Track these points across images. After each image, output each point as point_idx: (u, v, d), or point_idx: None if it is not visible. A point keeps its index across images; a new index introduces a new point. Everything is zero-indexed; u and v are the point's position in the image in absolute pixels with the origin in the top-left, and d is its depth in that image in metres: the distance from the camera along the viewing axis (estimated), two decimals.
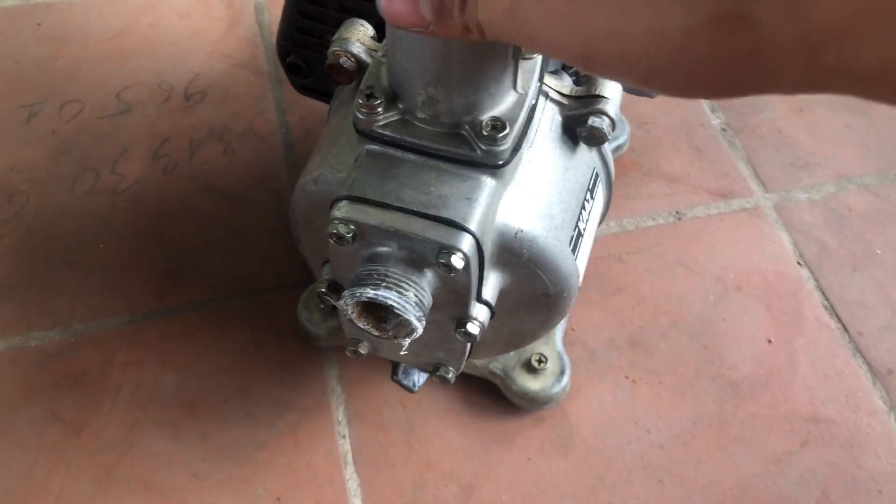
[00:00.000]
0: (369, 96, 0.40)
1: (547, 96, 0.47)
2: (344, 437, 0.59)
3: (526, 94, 0.41)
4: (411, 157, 0.41)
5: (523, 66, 0.41)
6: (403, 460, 0.59)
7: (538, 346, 0.60)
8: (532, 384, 0.59)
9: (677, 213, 0.72)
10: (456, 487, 0.57)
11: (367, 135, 0.41)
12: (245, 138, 0.75)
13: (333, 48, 0.45)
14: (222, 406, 0.60)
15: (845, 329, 0.66)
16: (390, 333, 0.42)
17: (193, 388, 0.61)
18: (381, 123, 0.40)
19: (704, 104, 0.79)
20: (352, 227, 0.40)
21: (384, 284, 0.39)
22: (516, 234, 0.43)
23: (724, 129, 0.78)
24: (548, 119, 0.47)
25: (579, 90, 0.47)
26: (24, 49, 0.82)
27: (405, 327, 0.41)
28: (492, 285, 0.45)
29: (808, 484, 0.58)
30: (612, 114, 0.45)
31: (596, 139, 0.46)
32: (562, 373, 0.60)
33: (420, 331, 0.41)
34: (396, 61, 0.39)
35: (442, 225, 0.39)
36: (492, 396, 0.61)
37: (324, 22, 0.57)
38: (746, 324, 0.66)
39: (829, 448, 0.60)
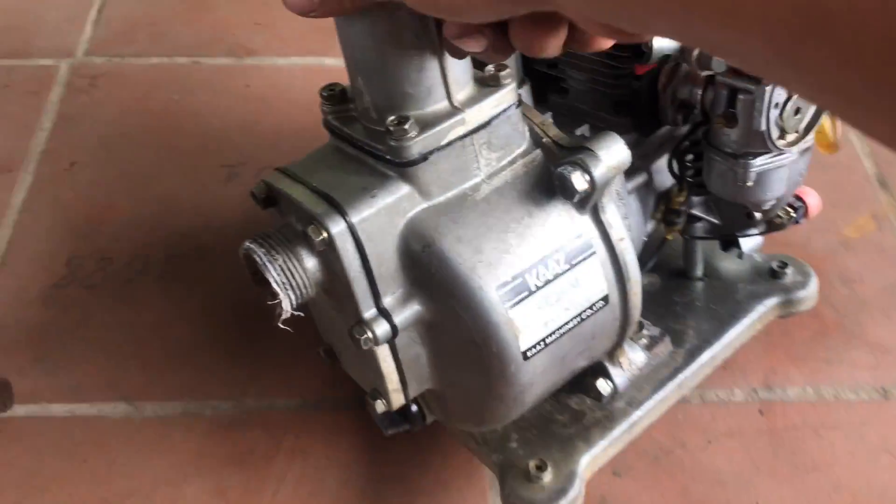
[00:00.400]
0: (329, 90, 0.44)
1: (539, 142, 0.45)
2: None
3: (462, 111, 0.41)
4: (349, 149, 0.44)
5: (479, 89, 0.42)
6: None
7: (551, 453, 0.54)
8: (521, 490, 0.52)
9: (884, 389, 0.66)
10: None
11: (326, 127, 0.45)
12: None
13: None
14: None
15: None
16: (269, 298, 0.43)
17: (356, 492, 0.59)
18: (332, 116, 0.44)
19: None
20: (265, 189, 0.45)
21: (259, 242, 0.43)
22: (424, 247, 0.42)
23: None
24: (527, 163, 0.45)
25: (572, 140, 0.45)
26: (231, 109, 0.85)
27: (271, 292, 0.42)
28: (400, 301, 0.44)
29: None
30: (593, 169, 0.42)
31: (565, 190, 0.42)
32: (560, 493, 0.52)
33: (284, 301, 0.43)
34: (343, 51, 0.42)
35: (323, 202, 0.41)
36: None
37: None
38: None
39: None
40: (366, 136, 0.43)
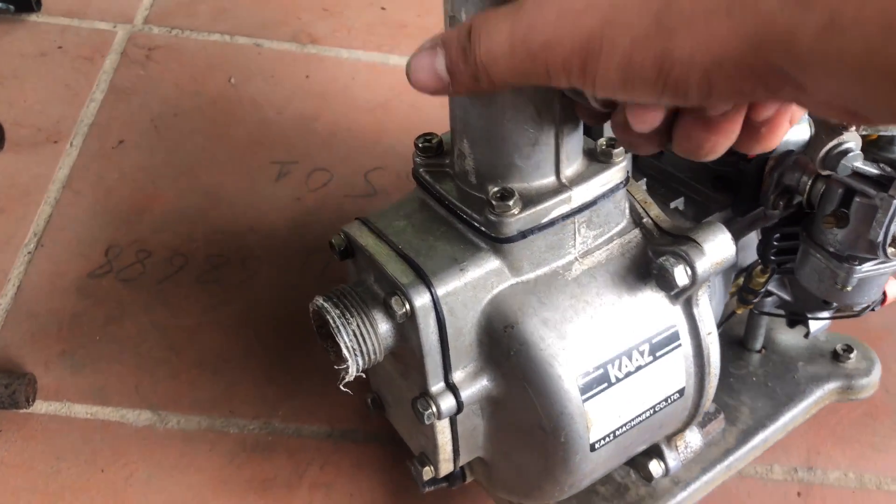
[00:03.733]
0: (425, 141, 0.39)
1: (639, 221, 0.39)
2: None
3: (570, 189, 0.36)
4: (437, 207, 0.39)
5: (588, 165, 0.37)
6: None
7: None
8: None
9: None
10: None
11: (415, 177, 0.40)
12: None
13: None
14: None
15: None
16: (333, 356, 0.39)
17: None
18: (424, 169, 0.39)
19: None
20: (346, 242, 0.40)
21: (335, 301, 0.38)
22: (506, 328, 0.37)
23: None
24: (624, 243, 0.39)
25: (676, 229, 0.38)
26: (289, 101, 0.77)
27: (339, 353, 0.38)
28: (471, 377, 0.39)
29: None
30: (696, 262, 0.36)
31: (665, 283, 0.37)
32: None
33: (351, 366, 0.38)
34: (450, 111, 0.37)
35: (410, 270, 0.36)
36: None
37: None
38: None
39: None
40: (461, 200, 0.37)
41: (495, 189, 0.35)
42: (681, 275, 0.36)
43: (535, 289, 0.38)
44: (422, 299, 0.36)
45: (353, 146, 0.74)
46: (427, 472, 0.44)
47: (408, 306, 0.36)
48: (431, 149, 0.39)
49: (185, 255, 0.66)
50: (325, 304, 0.38)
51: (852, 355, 0.58)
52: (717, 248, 0.37)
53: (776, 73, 0.21)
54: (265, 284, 0.65)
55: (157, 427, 0.58)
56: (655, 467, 0.47)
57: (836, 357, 0.58)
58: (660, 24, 0.22)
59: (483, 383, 0.40)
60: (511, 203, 0.35)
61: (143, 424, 0.58)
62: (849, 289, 0.43)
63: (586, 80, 0.24)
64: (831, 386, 0.57)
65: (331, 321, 0.37)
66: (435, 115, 0.77)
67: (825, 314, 0.54)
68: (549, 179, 0.36)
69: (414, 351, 0.38)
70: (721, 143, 0.28)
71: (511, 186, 0.36)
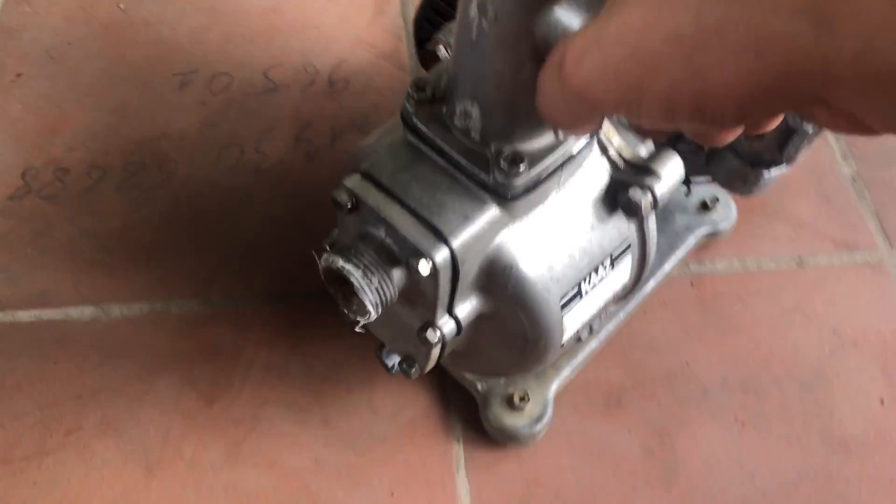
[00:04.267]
0: (419, 88, 0.39)
1: (605, 151, 0.44)
2: (458, 441, 0.57)
3: (563, 143, 0.39)
4: (436, 158, 0.40)
5: None
6: (513, 473, 0.56)
7: (529, 384, 0.56)
8: (505, 417, 0.55)
9: (800, 258, 0.67)
10: None
11: (407, 124, 0.40)
12: None
13: (437, 34, 0.44)
14: (346, 395, 0.59)
15: None
16: (351, 308, 0.42)
17: (320, 375, 0.59)
18: (420, 118, 0.40)
19: (837, 152, 0.74)
20: (352, 199, 0.40)
21: (354, 262, 0.40)
22: (505, 268, 0.41)
23: (854, 180, 0.72)
24: (594, 173, 0.44)
25: (637, 158, 0.44)
26: (181, 17, 0.79)
27: (361, 309, 0.41)
28: (469, 305, 0.43)
29: None
30: (658, 192, 0.42)
31: (632, 211, 0.43)
32: (538, 419, 0.55)
33: (373, 316, 0.41)
34: (451, 66, 0.38)
35: (427, 230, 0.39)
36: (605, 423, 0.58)
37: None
38: (860, 381, 0.61)
39: None
40: (465, 157, 0.39)
41: (504, 152, 0.38)
42: (646, 204, 0.42)
43: (528, 230, 0.42)
44: (442, 258, 0.39)
45: (249, 49, 0.77)
46: (414, 373, 0.48)
47: (430, 267, 0.38)
48: (426, 100, 0.40)
49: (102, 167, 0.69)
50: (347, 266, 0.40)
51: (717, 204, 0.66)
52: (672, 174, 0.43)
53: (807, 97, 0.22)
54: (183, 182, 0.68)
55: (101, 319, 0.61)
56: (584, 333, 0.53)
57: (705, 207, 0.66)
58: (693, 68, 0.23)
59: (477, 308, 0.44)
60: (521, 167, 0.38)
61: (88, 318, 0.61)
62: (754, 190, 0.49)
63: (632, 115, 0.26)
64: (702, 231, 0.65)
65: (355, 283, 0.40)
66: (321, 10, 0.80)
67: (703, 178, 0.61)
68: (546, 137, 0.39)
69: (426, 294, 0.41)
70: (733, 137, 0.30)
71: (518, 149, 0.38)
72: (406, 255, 0.40)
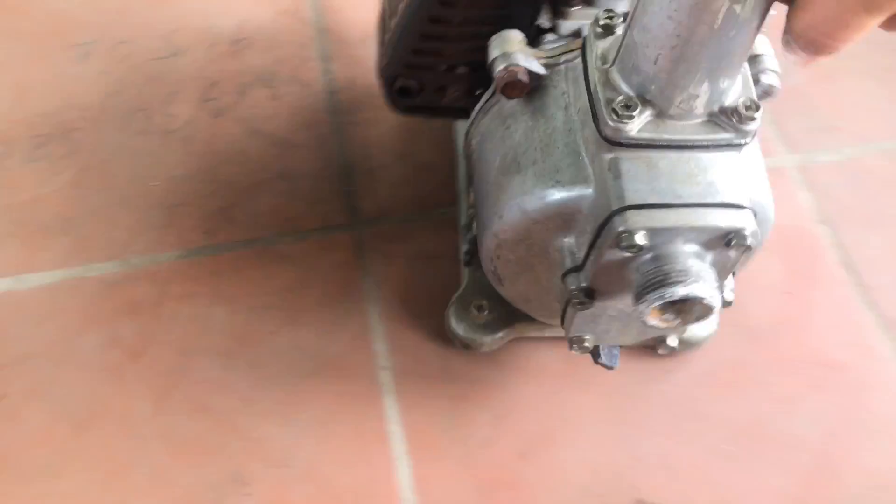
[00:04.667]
0: (627, 106, 0.38)
1: None
2: (385, 368, 0.59)
3: (744, 70, 0.40)
4: (666, 153, 0.39)
5: None
6: (440, 392, 0.58)
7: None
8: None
9: None
10: (489, 416, 0.57)
11: (618, 143, 0.39)
12: (290, 84, 0.72)
13: (503, 65, 0.43)
14: (270, 338, 0.59)
15: (860, 283, 0.64)
16: (690, 319, 0.40)
17: (243, 320, 0.60)
18: (636, 129, 0.38)
19: None
20: (645, 233, 0.38)
21: (690, 280, 0.38)
22: (756, 213, 0.41)
23: None
24: None
25: None
26: None
27: (708, 311, 0.39)
28: None
29: (817, 423, 0.58)
30: (775, 68, 0.43)
31: (769, 95, 0.43)
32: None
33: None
34: (660, 69, 0.37)
35: (725, 210, 0.38)
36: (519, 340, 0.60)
37: (446, 40, 0.50)
38: (767, 276, 0.64)
39: (838, 392, 0.59)
40: (694, 133, 0.39)
41: (730, 104, 0.38)
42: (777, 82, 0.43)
43: (754, 162, 0.45)
44: (753, 224, 0.39)
45: (149, 15, 0.77)
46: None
47: (754, 237, 0.39)
48: (631, 114, 0.38)
49: (6, 143, 0.68)
50: (692, 289, 0.38)
51: None
52: (769, 47, 0.44)
53: None
54: (92, 150, 0.68)
55: (17, 289, 0.61)
56: None
57: None
58: None
59: None
60: (759, 111, 0.39)
61: (4, 290, 0.61)
62: None
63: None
64: None
65: (704, 297, 0.38)
66: None
67: None
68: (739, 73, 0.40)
69: (725, 264, 0.41)
70: None
71: (737, 97, 0.39)
72: (722, 243, 0.39)
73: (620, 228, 0.38)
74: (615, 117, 0.38)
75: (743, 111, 0.39)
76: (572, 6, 0.48)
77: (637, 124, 0.38)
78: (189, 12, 0.77)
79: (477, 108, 0.49)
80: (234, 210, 0.65)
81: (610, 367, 0.52)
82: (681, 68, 0.37)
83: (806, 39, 0.31)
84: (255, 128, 0.70)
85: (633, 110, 0.38)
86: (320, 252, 0.63)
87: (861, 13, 0.29)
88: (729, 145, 0.39)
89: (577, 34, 0.49)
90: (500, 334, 0.58)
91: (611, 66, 0.40)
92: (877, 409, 0.59)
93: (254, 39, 0.75)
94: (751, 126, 0.39)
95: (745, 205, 0.39)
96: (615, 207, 0.39)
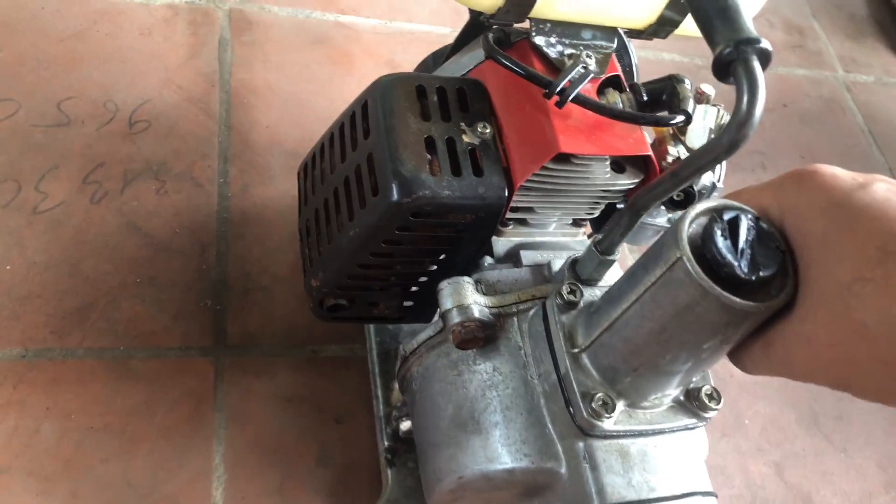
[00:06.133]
0: (605, 405, 0.40)
1: None
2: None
3: None
4: (636, 440, 0.41)
5: None
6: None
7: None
8: None
9: None
10: None
11: (592, 434, 0.41)
12: (181, 181, 0.69)
13: (460, 319, 0.43)
14: (101, 466, 0.55)
15: None
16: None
17: (74, 441, 0.55)
18: (612, 423, 0.40)
19: None
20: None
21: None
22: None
23: None
24: None
25: None
26: None
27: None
28: None
29: None
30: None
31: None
32: None
33: None
34: (639, 376, 0.39)
35: (695, 498, 0.41)
36: None
37: (385, 268, 0.49)
38: None
39: None
40: (662, 421, 0.42)
41: (695, 390, 0.42)
42: None
43: None
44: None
45: (44, 76, 0.72)
46: None
47: None
48: (611, 408, 0.40)
49: None
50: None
51: None
52: None
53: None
54: None
55: None
56: None
57: None
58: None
59: None
60: (721, 400, 0.43)
61: None
62: None
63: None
64: None
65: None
66: (132, 43, 0.76)
67: None
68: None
69: None
70: None
71: (702, 384, 0.43)
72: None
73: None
74: (592, 413, 0.39)
75: (706, 401, 0.42)
76: (505, 226, 0.49)
77: (613, 420, 0.40)
78: (89, 81, 0.73)
79: (418, 341, 0.47)
80: (92, 312, 0.61)
81: None
82: (662, 379, 0.40)
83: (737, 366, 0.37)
84: (133, 223, 0.66)
85: (611, 410, 0.40)
86: (175, 375, 0.60)
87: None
88: (689, 428, 0.42)
89: (511, 256, 0.49)
90: None
91: (581, 352, 0.41)
92: None
93: (153, 124, 0.72)
94: (710, 414, 0.43)
95: (711, 491, 0.43)
96: (597, 503, 0.40)
